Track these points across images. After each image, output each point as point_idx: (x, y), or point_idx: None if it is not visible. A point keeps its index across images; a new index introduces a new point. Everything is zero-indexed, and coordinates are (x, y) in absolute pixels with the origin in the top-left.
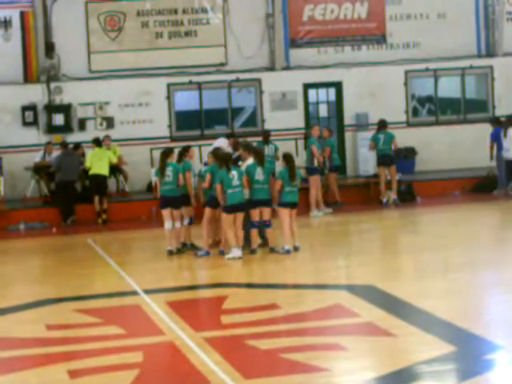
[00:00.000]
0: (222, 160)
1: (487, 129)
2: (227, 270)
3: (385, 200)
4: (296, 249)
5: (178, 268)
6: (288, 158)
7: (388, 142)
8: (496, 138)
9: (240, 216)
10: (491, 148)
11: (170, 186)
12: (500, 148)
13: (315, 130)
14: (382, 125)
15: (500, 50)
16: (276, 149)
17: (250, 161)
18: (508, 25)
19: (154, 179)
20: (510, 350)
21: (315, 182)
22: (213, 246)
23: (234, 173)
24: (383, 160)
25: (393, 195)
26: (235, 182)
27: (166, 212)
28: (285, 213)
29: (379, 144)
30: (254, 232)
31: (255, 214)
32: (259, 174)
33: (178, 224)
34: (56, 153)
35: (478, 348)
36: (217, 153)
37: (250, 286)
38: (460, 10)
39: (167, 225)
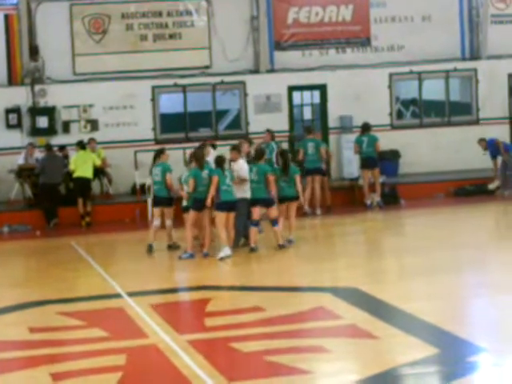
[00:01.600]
0: (218, 161)
1: (471, 131)
2: (211, 272)
3: (369, 202)
4: (290, 242)
5: (161, 270)
6: (282, 154)
7: (371, 145)
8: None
9: (231, 216)
10: None
11: (159, 186)
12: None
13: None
14: (366, 127)
15: (484, 52)
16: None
17: (241, 161)
18: (492, 28)
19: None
20: (492, 352)
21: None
22: (195, 248)
23: (227, 173)
24: (367, 162)
25: (376, 198)
26: (228, 181)
27: (155, 210)
28: (280, 207)
29: (363, 147)
30: (254, 230)
31: (255, 213)
32: (253, 174)
33: (168, 222)
34: (38, 154)
35: (461, 350)
36: (196, 154)
37: (233, 288)
38: (444, 13)
39: (155, 222)
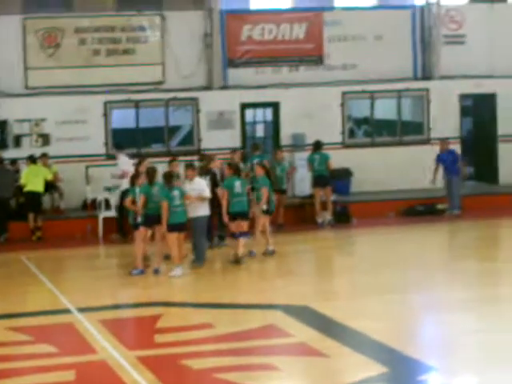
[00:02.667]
0: (166, 178)
1: (423, 151)
2: (162, 288)
3: (320, 221)
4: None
5: (112, 286)
6: (264, 167)
7: (323, 163)
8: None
9: (182, 235)
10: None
11: None
12: (445, 170)
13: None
14: (318, 146)
15: (436, 72)
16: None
17: (198, 179)
18: (444, 48)
19: None
20: (441, 371)
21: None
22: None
23: (176, 192)
24: (319, 181)
25: (328, 216)
26: (176, 201)
27: None
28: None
29: (315, 165)
30: (240, 242)
31: (234, 226)
32: (238, 187)
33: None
34: None
35: (411, 369)
36: (149, 171)
37: (184, 304)
38: (397, 33)
39: None
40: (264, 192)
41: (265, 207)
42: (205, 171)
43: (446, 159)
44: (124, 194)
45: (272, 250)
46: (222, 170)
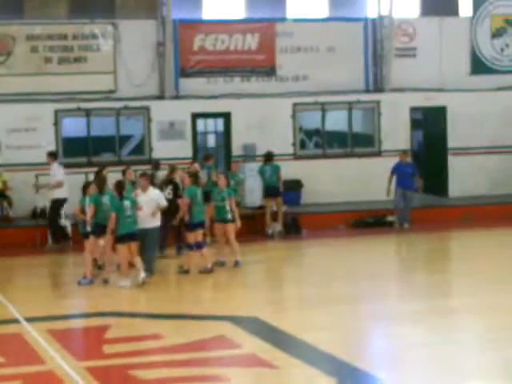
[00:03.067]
0: (117, 187)
1: (373, 163)
2: (111, 298)
3: (270, 232)
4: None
5: (61, 296)
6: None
7: (274, 174)
8: (395, 171)
9: (134, 245)
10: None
11: None
12: (400, 182)
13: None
14: (269, 157)
15: (387, 85)
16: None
17: (151, 191)
18: (396, 61)
19: None
20: (391, 383)
21: None
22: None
23: (127, 202)
24: (270, 192)
25: (278, 227)
26: (127, 211)
27: None
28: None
29: (266, 176)
30: (193, 254)
31: (192, 237)
32: (199, 197)
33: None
34: None
35: (359, 381)
36: (99, 180)
37: (133, 315)
38: (349, 45)
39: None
40: (232, 202)
41: (229, 216)
42: (167, 182)
43: (402, 171)
44: (56, 202)
45: (224, 261)
46: (182, 180)
